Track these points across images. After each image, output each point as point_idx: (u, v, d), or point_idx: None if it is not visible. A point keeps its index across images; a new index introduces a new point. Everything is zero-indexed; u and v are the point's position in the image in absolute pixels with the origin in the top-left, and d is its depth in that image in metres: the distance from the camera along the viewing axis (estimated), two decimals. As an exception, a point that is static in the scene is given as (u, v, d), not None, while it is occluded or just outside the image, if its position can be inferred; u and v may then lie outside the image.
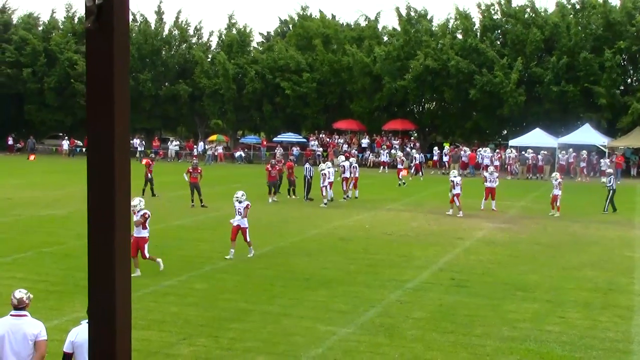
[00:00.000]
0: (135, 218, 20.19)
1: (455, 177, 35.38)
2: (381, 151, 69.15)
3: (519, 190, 48.40)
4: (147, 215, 20.66)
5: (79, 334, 9.30)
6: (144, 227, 20.60)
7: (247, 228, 23.10)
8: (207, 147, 76.90)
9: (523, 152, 62.04)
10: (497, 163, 61.85)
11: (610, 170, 42.45)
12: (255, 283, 19.75)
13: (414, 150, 63.47)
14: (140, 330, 13.80)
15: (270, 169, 39.12)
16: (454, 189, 34.79)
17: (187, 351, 13.87)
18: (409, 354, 13.97)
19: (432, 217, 33.77)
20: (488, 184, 37.44)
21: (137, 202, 20.70)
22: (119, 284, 2.61)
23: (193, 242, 25.38)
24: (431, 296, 18.58)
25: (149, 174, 39.33)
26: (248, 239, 23.12)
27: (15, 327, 9.49)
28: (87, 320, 9.14)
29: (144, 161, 42.34)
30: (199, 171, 36.46)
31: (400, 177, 50.08)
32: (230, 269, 21.61)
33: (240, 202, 23.29)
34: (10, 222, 29.03)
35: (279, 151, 65.82)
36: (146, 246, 20.58)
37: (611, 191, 37.16)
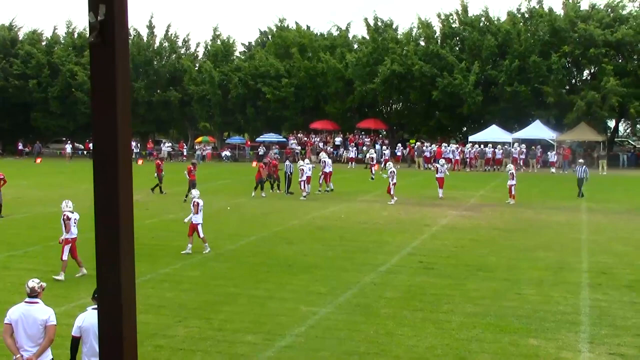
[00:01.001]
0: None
1: (392, 169, 36.18)
2: (350, 148, 69.24)
3: (478, 181, 48.62)
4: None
5: (86, 319, 9.30)
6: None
7: (199, 224, 22.24)
8: (196, 147, 76.76)
9: (482, 147, 62.38)
10: (457, 157, 62.34)
11: (581, 161, 42.79)
12: (242, 270, 19.74)
13: (384, 147, 63.69)
14: (139, 314, 13.69)
15: (264, 167, 38.99)
16: (392, 179, 35.51)
17: (183, 332, 13.86)
18: (382, 330, 14.01)
19: (401, 206, 33.82)
20: (438, 175, 37.89)
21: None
22: (124, 272, 2.61)
23: (186, 234, 25.29)
24: (402, 278, 18.64)
25: (161, 173, 39.53)
26: (202, 235, 22.20)
27: (27, 312, 9.51)
28: (92, 307, 9.20)
29: (155, 162, 42.51)
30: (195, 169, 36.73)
31: (372, 171, 50.10)
32: (220, 257, 21.58)
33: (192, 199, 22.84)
34: (21, 219, 28.88)
35: (272, 151, 65.57)
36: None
37: (585, 179, 38.11)
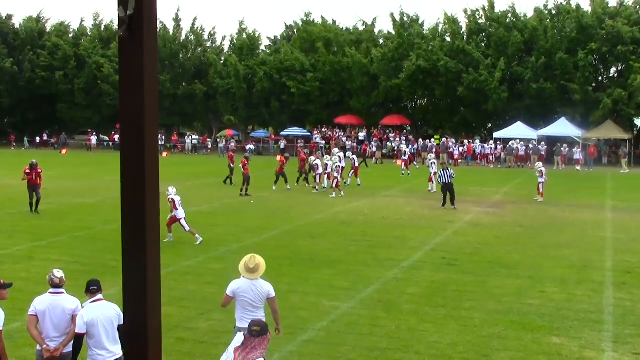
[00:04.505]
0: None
1: (339, 163, 36.65)
2: (373, 143, 69.13)
3: (503, 177, 48.40)
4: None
5: (89, 314, 9.22)
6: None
7: (181, 219, 22.28)
8: (218, 140, 77.05)
9: (510, 144, 62.14)
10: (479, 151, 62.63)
11: None
12: (265, 263, 19.72)
13: (408, 143, 63.72)
14: (162, 306, 13.77)
15: (285, 160, 38.96)
16: (336, 171, 36.29)
17: (205, 325, 13.90)
18: (404, 326, 13.99)
19: (424, 202, 33.74)
20: (432, 170, 38.54)
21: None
22: (149, 263, 2.62)
23: (209, 226, 25.37)
24: (424, 274, 18.59)
25: (232, 164, 40.45)
26: (187, 229, 22.33)
27: (55, 302, 9.53)
28: (90, 301, 9.32)
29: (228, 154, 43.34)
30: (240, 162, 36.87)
31: (406, 167, 49.85)
32: (243, 251, 21.53)
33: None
34: (45, 209, 29.03)
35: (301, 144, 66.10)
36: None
37: None
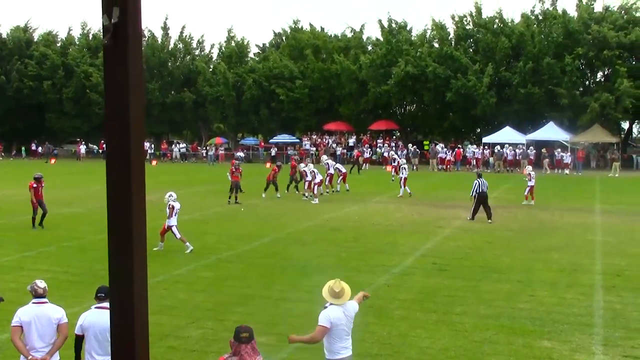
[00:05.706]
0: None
1: (312, 169, 36.98)
2: (364, 149, 69.17)
3: (492, 182, 48.43)
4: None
5: (87, 318, 9.29)
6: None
7: (173, 226, 22.21)
8: (207, 148, 77.05)
9: (500, 148, 62.34)
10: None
11: None
12: (256, 271, 19.73)
13: (398, 148, 63.83)
14: (152, 315, 13.68)
15: (277, 169, 38.84)
16: (315, 178, 36.51)
17: (196, 333, 13.86)
18: (395, 331, 13.98)
19: (415, 208, 33.76)
20: (401, 174, 38.98)
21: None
22: (136, 272, 2.61)
23: (200, 234, 25.32)
24: (415, 279, 18.59)
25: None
26: (178, 236, 22.18)
27: (40, 312, 9.48)
28: (95, 306, 9.27)
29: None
30: (240, 171, 36.47)
31: (395, 173, 49.91)
32: (234, 258, 21.58)
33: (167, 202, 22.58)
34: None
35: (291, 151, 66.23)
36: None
37: None
